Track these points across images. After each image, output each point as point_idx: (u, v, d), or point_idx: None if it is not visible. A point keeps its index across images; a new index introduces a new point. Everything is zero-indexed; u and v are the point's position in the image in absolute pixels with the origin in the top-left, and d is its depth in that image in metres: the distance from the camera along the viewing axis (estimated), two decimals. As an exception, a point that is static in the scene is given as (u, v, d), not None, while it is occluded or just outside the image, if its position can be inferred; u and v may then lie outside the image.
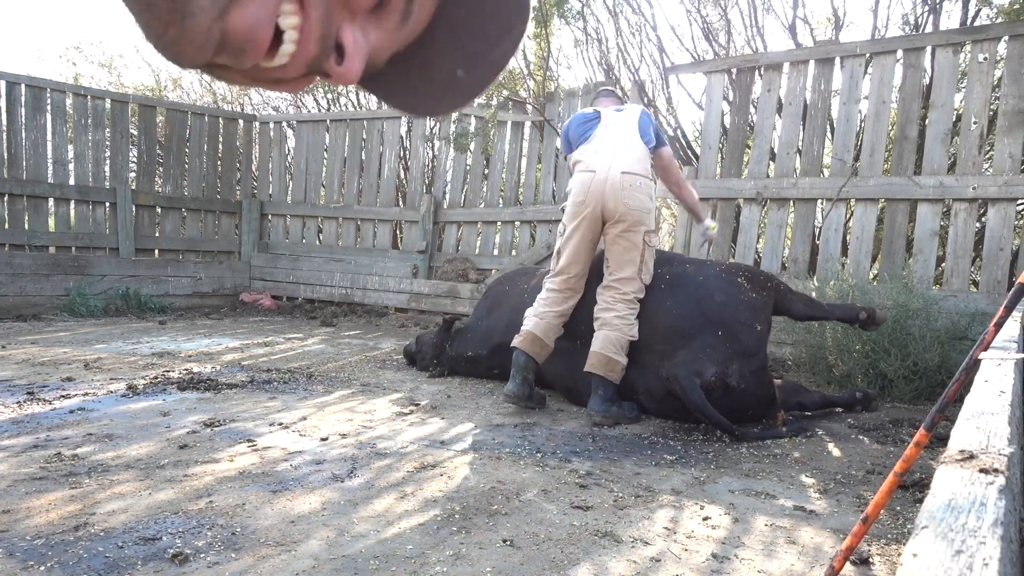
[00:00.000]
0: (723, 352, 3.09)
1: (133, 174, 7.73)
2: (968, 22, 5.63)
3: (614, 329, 3.31)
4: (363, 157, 7.89)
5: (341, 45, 0.52)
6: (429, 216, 7.25)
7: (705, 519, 2.13)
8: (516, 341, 3.48)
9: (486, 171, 7.15)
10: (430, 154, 7.84)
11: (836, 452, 2.90)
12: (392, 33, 0.57)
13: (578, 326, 3.55)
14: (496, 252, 6.94)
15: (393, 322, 6.79)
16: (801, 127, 5.24)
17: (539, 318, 3.50)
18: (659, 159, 3.63)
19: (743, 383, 3.09)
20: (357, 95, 9.40)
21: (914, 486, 2.39)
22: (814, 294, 4.44)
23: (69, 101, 7.21)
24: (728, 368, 3.07)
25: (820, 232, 5.35)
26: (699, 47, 6.94)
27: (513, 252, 6.86)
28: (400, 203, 8.10)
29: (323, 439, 2.86)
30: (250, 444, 2.75)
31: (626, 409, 3.31)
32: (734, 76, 5.61)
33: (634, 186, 3.37)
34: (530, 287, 4.00)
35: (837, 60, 5.09)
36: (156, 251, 7.69)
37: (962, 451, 0.86)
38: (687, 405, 3.06)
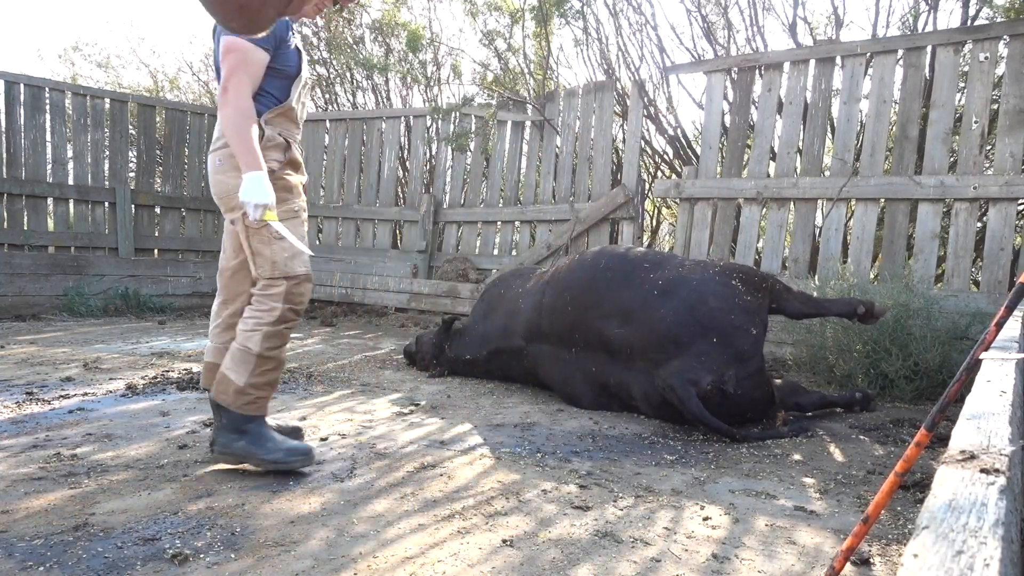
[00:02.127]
0: (719, 359, 3.07)
1: (132, 174, 7.72)
2: (968, 21, 5.62)
3: (237, 339, 2.52)
4: (363, 157, 7.89)
5: None
6: (429, 216, 7.25)
7: (705, 519, 2.13)
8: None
9: (486, 171, 7.15)
10: (430, 154, 7.84)
11: (836, 452, 2.90)
12: None
13: (573, 334, 3.53)
14: (496, 252, 6.94)
15: (393, 322, 6.79)
16: (801, 127, 5.24)
17: (210, 339, 2.72)
18: None
19: (740, 388, 3.08)
20: (355, 95, 9.40)
21: (915, 486, 2.39)
22: (815, 294, 4.43)
23: (68, 101, 7.21)
24: (724, 375, 3.05)
25: (820, 232, 5.34)
26: (699, 46, 6.93)
27: (513, 252, 6.86)
28: (400, 203, 8.09)
29: (323, 439, 2.86)
30: (250, 444, 2.75)
31: (263, 447, 2.40)
32: (734, 76, 5.60)
33: (215, 168, 2.54)
34: (526, 289, 3.98)
35: (838, 59, 5.09)
36: (155, 251, 7.68)
37: (963, 451, 0.86)
38: (685, 414, 3.06)
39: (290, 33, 2.55)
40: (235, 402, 2.42)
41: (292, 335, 5.76)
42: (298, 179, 2.64)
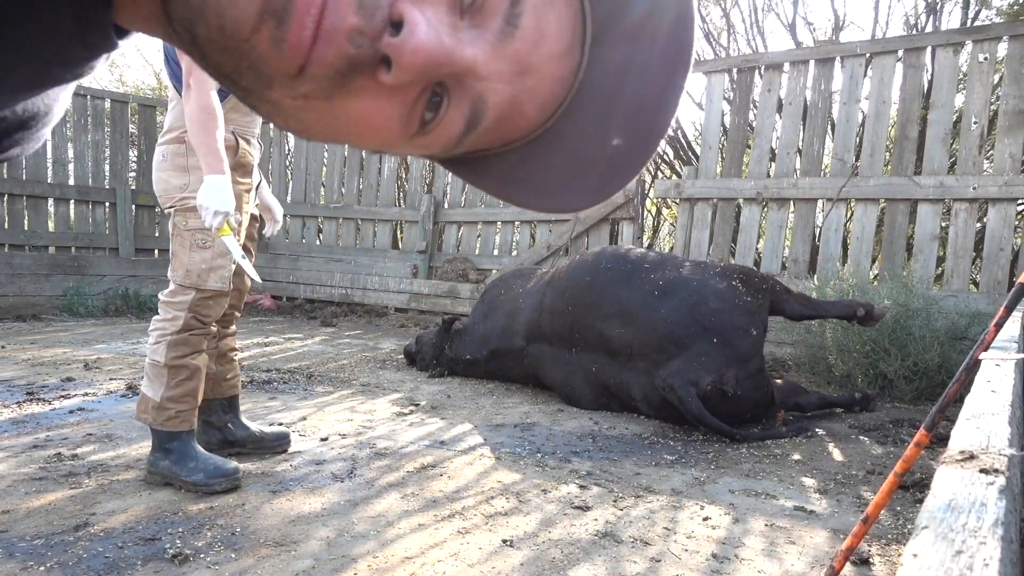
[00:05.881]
0: (719, 360, 3.08)
1: (133, 174, 7.72)
2: (968, 22, 5.63)
3: (147, 354, 2.45)
4: (363, 157, 7.89)
5: (399, 21, 0.38)
6: (429, 216, 7.25)
7: (705, 519, 2.13)
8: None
9: (486, 171, 7.14)
10: (430, 154, 7.83)
11: (836, 452, 2.90)
12: (495, 48, 0.41)
13: (573, 334, 3.54)
14: (496, 252, 6.94)
15: (393, 322, 6.79)
16: (801, 127, 5.24)
17: None
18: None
19: (740, 389, 3.09)
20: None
21: (914, 486, 2.39)
22: (814, 294, 4.43)
23: (69, 101, 7.21)
24: (724, 375, 3.06)
25: (820, 232, 5.34)
26: (699, 47, 6.94)
27: (513, 252, 6.86)
28: (400, 203, 8.09)
29: (323, 439, 2.86)
30: (250, 444, 2.75)
31: (185, 467, 2.26)
32: (734, 76, 5.60)
33: (157, 163, 2.44)
34: (526, 289, 3.99)
35: (837, 60, 5.09)
36: (156, 251, 7.67)
37: (962, 451, 0.86)
38: (685, 415, 3.06)
39: None
40: (156, 419, 2.31)
41: (292, 335, 5.78)
42: (243, 186, 2.45)
